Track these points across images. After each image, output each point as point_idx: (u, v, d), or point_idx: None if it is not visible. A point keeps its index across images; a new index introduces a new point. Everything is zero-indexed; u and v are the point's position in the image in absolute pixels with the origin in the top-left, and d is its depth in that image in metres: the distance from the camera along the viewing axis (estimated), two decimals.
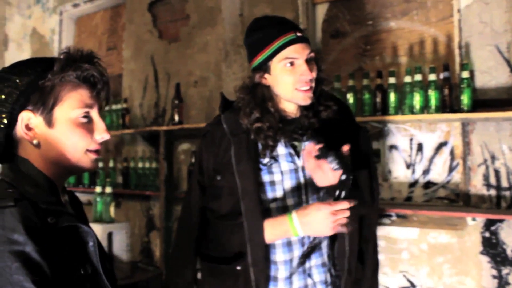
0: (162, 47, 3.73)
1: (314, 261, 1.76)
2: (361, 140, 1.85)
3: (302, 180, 1.73)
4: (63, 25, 4.56)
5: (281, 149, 1.72)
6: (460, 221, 2.42)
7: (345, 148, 1.62)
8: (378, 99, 2.54)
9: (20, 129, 1.11)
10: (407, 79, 2.46)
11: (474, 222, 2.39)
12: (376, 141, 2.69)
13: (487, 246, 2.35)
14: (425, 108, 2.41)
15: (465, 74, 2.30)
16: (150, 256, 3.67)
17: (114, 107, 3.80)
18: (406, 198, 2.62)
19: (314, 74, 1.68)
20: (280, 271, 1.71)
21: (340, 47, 2.90)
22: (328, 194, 1.69)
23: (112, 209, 3.17)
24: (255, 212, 1.66)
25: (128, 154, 3.87)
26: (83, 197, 3.88)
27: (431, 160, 2.55)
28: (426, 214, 2.44)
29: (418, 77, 2.42)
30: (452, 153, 2.50)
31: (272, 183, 1.71)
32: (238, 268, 1.68)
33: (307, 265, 1.74)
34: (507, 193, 2.32)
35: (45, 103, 1.10)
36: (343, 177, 1.58)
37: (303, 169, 1.73)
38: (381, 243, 2.61)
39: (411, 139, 2.62)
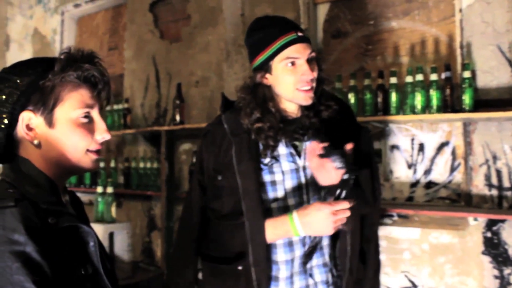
0: (164, 47, 3.73)
1: (315, 261, 1.76)
2: (363, 140, 1.85)
3: (303, 180, 1.73)
4: (64, 25, 4.56)
5: (282, 149, 1.72)
6: (461, 221, 2.42)
7: (348, 146, 1.62)
8: (379, 99, 2.53)
9: (20, 129, 1.11)
10: (409, 79, 2.46)
11: (476, 222, 2.39)
12: (377, 141, 2.69)
13: (489, 246, 2.35)
14: (426, 108, 2.41)
15: (467, 74, 2.30)
16: (151, 256, 3.67)
17: (115, 107, 3.80)
18: (408, 198, 2.62)
19: (315, 74, 1.68)
20: (281, 271, 1.71)
21: (341, 47, 2.89)
22: (330, 193, 1.69)
23: (113, 209, 3.17)
24: (256, 212, 1.66)
25: (129, 154, 3.87)
26: (84, 197, 3.88)
27: (432, 160, 2.55)
28: (427, 214, 2.43)
29: (419, 77, 2.41)
30: (453, 153, 2.50)
31: (273, 183, 1.71)
32: (239, 268, 1.68)
33: (308, 265, 1.74)
34: (508, 193, 2.32)
35: (45, 103, 1.10)
36: (346, 176, 1.59)
37: (304, 169, 1.73)
38: (382, 243, 2.61)
39: (412, 139, 2.61)
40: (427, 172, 2.56)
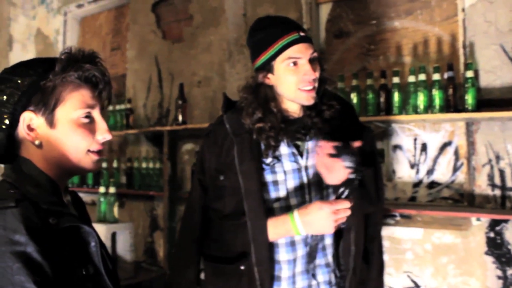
0: (166, 47, 3.73)
1: (318, 261, 1.75)
2: (365, 139, 1.85)
3: (305, 179, 1.73)
4: (67, 26, 4.57)
5: (284, 149, 1.72)
6: (464, 221, 2.41)
7: (356, 144, 1.62)
8: (382, 99, 2.53)
9: (22, 130, 1.11)
10: (411, 78, 2.45)
11: (479, 222, 2.38)
12: (380, 141, 2.68)
13: (492, 247, 2.34)
14: (429, 107, 2.40)
15: (470, 74, 2.29)
16: (154, 256, 3.68)
17: (118, 107, 3.81)
18: (410, 198, 2.61)
19: (317, 74, 1.68)
20: (283, 270, 1.71)
21: (343, 47, 2.89)
22: (334, 191, 1.69)
23: (115, 209, 3.17)
24: (259, 212, 1.66)
25: (132, 154, 3.87)
26: (87, 197, 3.89)
27: (435, 160, 2.54)
28: (430, 214, 2.43)
29: (422, 76, 2.41)
30: (456, 153, 2.49)
31: (275, 182, 1.71)
32: (242, 268, 1.68)
33: (311, 265, 1.73)
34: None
35: (46, 104, 1.10)
36: (352, 176, 1.59)
37: (306, 168, 1.73)
38: (385, 243, 2.60)
39: (415, 139, 2.61)
40: (430, 172, 2.56)
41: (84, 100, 1.13)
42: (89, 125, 1.15)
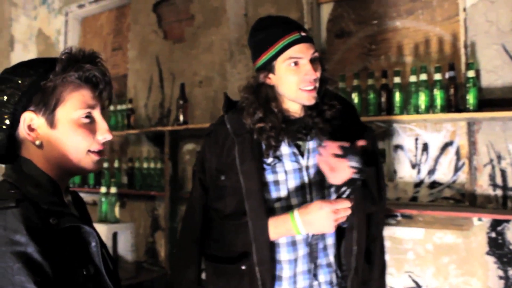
0: (167, 47, 3.73)
1: (320, 261, 1.75)
2: (367, 139, 1.84)
3: (306, 179, 1.72)
4: (68, 26, 4.58)
5: (285, 149, 1.72)
6: (466, 221, 2.41)
7: (360, 143, 1.62)
8: (383, 99, 2.53)
9: (22, 130, 1.11)
10: (413, 78, 2.45)
11: (480, 222, 2.38)
12: (381, 141, 2.68)
13: (493, 247, 2.34)
14: (430, 107, 2.40)
15: (471, 74, 2.29)
16: (155, 256, 3.68)
17: (119, 107, 3.81)
18: (412, 198, 2.61)
19: (318, 74, 1.68)
20: (284, 270, 1.71)
21: (345, 46, 2.89)
22: (336, 191, 1.69)
23: (117, 209, 3.17)
24: (260, 212, 1.66)
25: (133, 155, 3.87)
26: (88, 197, 3.90)
27: (436, 160, 2.54)
28: (431, 214, 2.42)
29: (423, 76, 2.40)
30: (457, 153, 2.49)
31: (276, 182, 1.71)
32: (243, 267, 1.68)
33: (312, 265, 1.73)
34: None
35: (47, 104, 1.10)
36: (356, 176, 1.60)
37: (307, 168, 1.73)
38: (386, 243, 2.60)
39: (416, 139, 2.61)
40: (431, 172, 2.55)
41: (84, 100, 1.13)
42: (90, 125, 1.15)
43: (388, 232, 2.62)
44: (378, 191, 1.84)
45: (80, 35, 4.63)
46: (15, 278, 0.93)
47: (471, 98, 2.28)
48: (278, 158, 1.71)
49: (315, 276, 1.74)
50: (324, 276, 1.75)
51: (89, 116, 1.15)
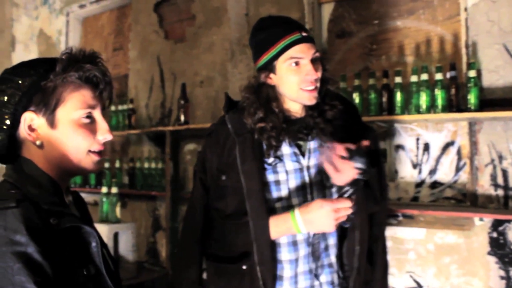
0: (168, 47, 3.73)
1: (321, 261, 1.75)
2: (369, 139, 1.84)
3: (307, 179, 1.72)
4: (69, 26, 4.58)
5: (286, 149, 1.72)
6: (467, 222, 2.40)
7: (365, 143, 1.62)
8: (384, 99, 2.52)
9: (23, 130, 1.11)
10: (414, 78, 2.45)
11: (482, 223, 2.37)
12: (382, 141, 2.68)
13: (495, 247, 2.33)
14: (431, 107, 2.39)
15: (472, 73, 2.29)
16: (156, 256, 3.68)
17: (120, 107, 3.81)
18: (413, 198, 2.61)
19: (319, 74, 1.68)
20: (285, 270, 1.71)
21: (346, 46, 2.89)
22: (338, 191, 1.69)
23: (118, 210, 3.17)
24: (261, 212, 1.66)
25: (134, 155, 3.87)
26: (89, 198, 3.90)
27: (437, 160, 2.54)
28: (432, 214, 2.42)
29: (424, 76, 2.40)
30: (459, 153, 2.48)
31: (277, 182, 1.71)
32: (244, 267, 1.68)
33: (313, 265, 1.73)
34: None
35: (47, 104, 1.10)
36: (360, 176, 1.60)
37: (308, 168, 1.73)
38: (387, 244, 2.59)
39: (417, 139, 2.60)
40: (432, 172, 2.55)
41: (84, 100, 1.13)
42: (90, 125, 1.15)
43: (389, 232, 2.62)
44: (380, 191, 1.84)
45: (81, 35, 4.63)
46: (15, 278, 0.93)
47: (472, 98, 2.27)
48: (279, 158, 1.71)
49: (316, 276, 1.73)
50: (325, 276, 1.75)
51: (89, 116, 1.15)
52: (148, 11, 3.88)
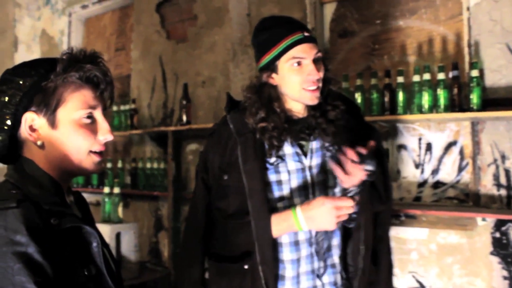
0: (170, 47, 3.73)
1: (324, 261, 1.75)
2: (372, 139, 1.84)
3: (309, 179, 1.72)
4: (72, 27, 4.59)
5: (288, 149, 1.72)
6: (470, 222, 2.40)
7: (371, 144, 1.63)
8: (386, 99, 2.52)
9: (24, 130, 1.11)
10: (416, 78, 2.44)
11: (484, 223, 2.37)
12: (384, 141, 2.67)
13: (498, 247, 2.33)
14: (434, 107, 2.39)
15: (475, 73, 2.28)
16: (158, 256, 3.68)
17: (122, 107, 3.82)
18: (415, 198, 2.60)
19: (321, 74, 1.68)
20: (287, 270, 1.70)
21: (348, 46, 2.88)
22: (343, 190, 1.69)
23: (120, 210, 3.18)
24: (262, 211, 1.66)
25: (136, 155, 3.87)
26: (91, 198, 3.90)
27: (440, 160, 2.53)
28: (435, 214, 2.42)
29: (426, 76, 2.40)
30: (461, 152, 2.48)
31: (279, 182, 1.71)
32: (246, 267, 1.68)
33: (315, 265, 1.73)
34: None
35: (48, 104, 1.10)
36: (368, 178, 1.62)
37: (310, 168, 1.73)
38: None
39: (420, 139, 2.60)
40: (435, 172, 2.54)
41: (85, 101, 1.13)
42: (91, 126, 1.15)
43: (392, 232, 2.60)
44: (384, 190, 1.84)
45: (84, 36, 4.63)
46: (15, 278, 0.93)
47: (475, 98, 2.27)
48: (281, 158, 1.71)
49: (318, 276, 1.73)
50: (328, 277, 1.74)
51: (90, 116, 1.15)
52: (150, 11, 3.88)
